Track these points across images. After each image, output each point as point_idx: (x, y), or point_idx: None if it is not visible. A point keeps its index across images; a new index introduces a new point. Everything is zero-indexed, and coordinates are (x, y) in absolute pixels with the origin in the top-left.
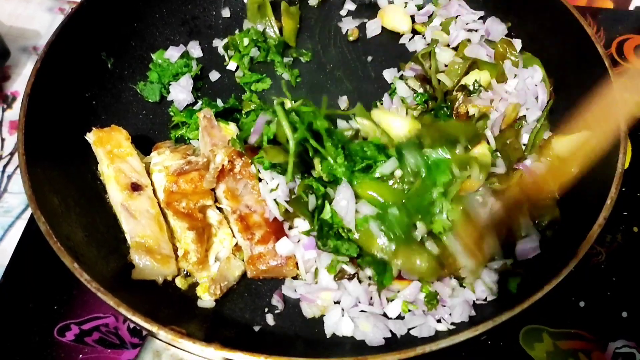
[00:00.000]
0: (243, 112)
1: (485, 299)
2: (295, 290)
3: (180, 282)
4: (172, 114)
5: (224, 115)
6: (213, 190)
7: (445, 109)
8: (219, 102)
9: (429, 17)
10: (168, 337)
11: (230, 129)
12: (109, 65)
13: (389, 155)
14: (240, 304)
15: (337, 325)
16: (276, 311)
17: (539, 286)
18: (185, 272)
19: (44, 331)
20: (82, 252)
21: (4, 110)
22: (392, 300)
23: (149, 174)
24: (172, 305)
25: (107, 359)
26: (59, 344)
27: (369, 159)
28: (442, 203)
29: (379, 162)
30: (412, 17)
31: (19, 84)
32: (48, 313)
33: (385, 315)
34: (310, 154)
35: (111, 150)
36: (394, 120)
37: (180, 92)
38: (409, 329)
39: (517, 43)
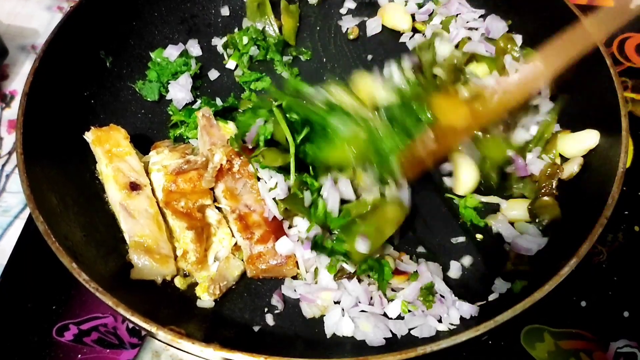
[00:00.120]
0: (240, 110)
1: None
2: (295, 290)
3: (179, 282)
4: (171, 113)
5: (223, 114)
6: (212, 189)
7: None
8: (218, 101)
9: (429, 15)
10: (167, 337)
11: (229, 128)
12: (108, 64)
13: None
14: (239, 304)
15: (337, 325)
16: (276, 311)
17: (540, 286)
18: (184, 272)
19: (42, 331)
20: (80, 252)
21: (2, 109)
22: (392, 300)
23: (147, 173)
24: (171, 305)
25: (105, 359)
26: (57, 344)
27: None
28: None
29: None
30: (413, 16)
31: (18, 82)
32: (47, 313)
33: (385, 315)
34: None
35: (110, 150)
36: (376, 86)
37: (179, 91)
38: (409, 329)
39: (518, 38)
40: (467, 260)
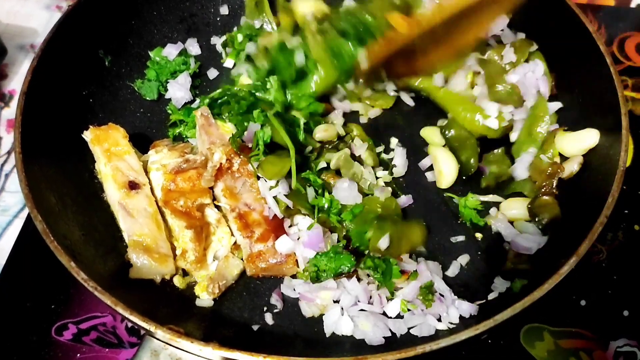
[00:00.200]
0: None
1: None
2: (294, 289)
3: (178, 281)
4: (170, 112)
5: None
6: (211, 188)
7: None
8: None
9: None
10: (166, 336)
11: (227, 127)
12: (107, 63)
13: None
14: (238, 303)
15: (337, 324)
16: (275, 310)
17: (540, 285)
18: (183, 271)
19: (41, 330)
20: (79, 251)
21: (1, 108)
22: (391, 299)
23: (146, 172)
24: (170, 304)
25: (105, 358)
26: (56, 343)
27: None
28: None
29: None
30: None
31: (17, 82)
32: (46, 312)
33: (385, 314)
34: None
35: (108, 149)
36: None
37: (178, 90)
38: (409, 328)
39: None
40: (466, 259)
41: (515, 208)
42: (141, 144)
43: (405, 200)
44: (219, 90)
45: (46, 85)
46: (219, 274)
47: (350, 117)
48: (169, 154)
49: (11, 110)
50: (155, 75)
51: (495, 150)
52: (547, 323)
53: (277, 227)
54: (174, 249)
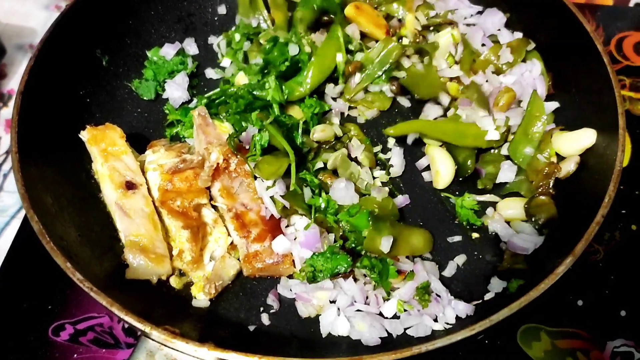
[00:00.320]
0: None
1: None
2: (290, 290)
3: (174, 282)
4: (167, 111)
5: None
6: (208, 188)
7: None
8: None
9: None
10: (161, 337)
11: (225, 127)
12: (104, 63)
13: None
14: (235, 304)
15: (333, 324)
16: (271, 311)
17: (536, 285)
18: (179, 272)
19: (38, 331)
20: (75, 252)
21: (0, 108)
22: (387, 299)
23: (143, 172)
24: (166, 304)
25: (101, 358)
26: (53, 343)
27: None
28: None
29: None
30: None
31: (16, 81)
32: (43, 313)
33: (381, 314)
34: None
35: (105, 149)
36: None
37: (176, 90)
38: (405, 329)
39: (531, 45)
40: (463, 260)
41: (512, 208)
42: (138, 143)
43: (402, 200)
44: (216, 90)
45: (43, 85)
46: (216, 274)
47: (348, 117)
48: (166, 154)
49: (10, 110)
50: (152, 75)
51: (492, 150)
52: (544, 323)
53: (274, 227)
54: (170, 249)
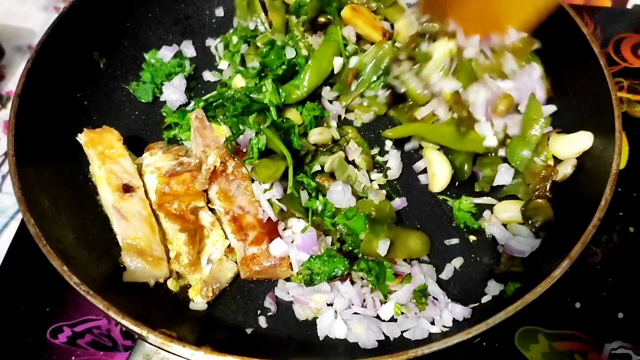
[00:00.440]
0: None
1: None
2: (288, 293)
3: (172, 285)
4: (164, 114)
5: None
6: (205, 191)
7: None
8: None
9: None
10: (157, 340)
11: (222, 130)
12: (101, 65)
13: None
14: (232, 307)
15: (330, 327)
16: (269, 313)
17: (533, 288)
18: (177, 274)
19: (36, 333)
20: (72, 255)
21: None
22: (385, 302)
23: (141, 175)
24: (163, 307)
25: None
26: (51, 346)
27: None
28: None
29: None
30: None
31: (14, 83)
32: (40, 315)
33: (378, 317)
34: None
35: (103, 151)
36: None
37: (173, 93)
38: (402, 332)
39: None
40: (460, 262)
41: (509, 211)
42: (136, 146)
43: (399, 202)
44: (213, 93)
45: (41, 88)
46: (213, 277)
47: (345, 120)
48: (163, 156)
49: (8, 112)
50: (150, 78)
51: (490, 153)
52: (541, 325)
53: (271, 230)
54: (167, 252)
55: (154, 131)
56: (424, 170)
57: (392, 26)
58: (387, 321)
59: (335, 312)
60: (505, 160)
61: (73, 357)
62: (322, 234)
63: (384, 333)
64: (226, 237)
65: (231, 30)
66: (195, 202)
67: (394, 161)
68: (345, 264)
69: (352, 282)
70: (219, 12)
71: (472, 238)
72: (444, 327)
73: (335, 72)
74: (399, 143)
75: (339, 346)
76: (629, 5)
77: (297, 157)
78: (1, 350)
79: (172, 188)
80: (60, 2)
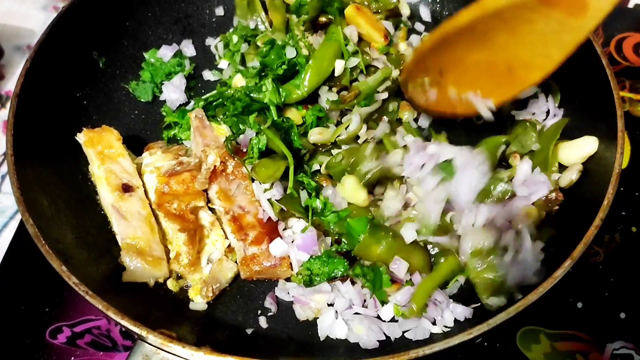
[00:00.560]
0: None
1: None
2: (288, 293)
3: (171, 285)
4: (164, 114)
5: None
6: (205, 191)
7: None
8: None
9: None
10: (157, 341)
11: (222, 129)
12: (101, 65)
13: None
14: (232, 307)
15: (331, 327)
16: (269, 314)
17: (534, 288)
18: (177, 274)
19: (35, 333)
20: (71, 255)
21: None
22: (386, 302)
23: (140, 175)
24: (163, 308)
25: None
26: (50, 346)
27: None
28: None
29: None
30: None
31: (14, 83)
32: (40, 315)
33: (379, 317)
34: None
35: (102, 151)
36: None
37: (173, 92)
38: (403, 332)
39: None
40: None
41: None
42: (135, 146)
43: None
44: (213, 92)
45: (39, 87)
46: (213, 277)
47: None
48: (163, 156)
49: (8, 112)
50: (149, 77)
51: None
52: (543, 325)
53: (271, 230)
54: (167, 252)
55: (154, 131)
56: None
57: (395, 27)
58: (388, 321)
59: (336, 312)
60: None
61: (72, 358)
62: (321, 234)
63: (385, 333)
64: (226, 237)
65: (231, 30)
66: (195, 201)
67: None
68: (345, 265)
69: (353, 282)
70: (219, 11)
71: None
72: (446, 327)
73: (336, 74)
74: None
75: (339, 346)
76: (631, 5)
77: (297, 156)
78: (1, 350)
79: (171, 188)
80: (60, 2)
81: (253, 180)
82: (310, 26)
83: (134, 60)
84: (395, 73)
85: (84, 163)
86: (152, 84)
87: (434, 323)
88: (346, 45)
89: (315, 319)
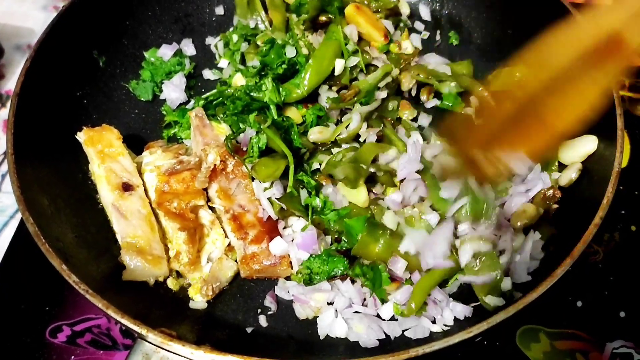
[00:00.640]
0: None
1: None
2: (288, 291)
3: (171, 283)
4: (164, 113)
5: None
6: (205, 189)
7: None
8: None
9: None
10: (157, 339)
11: (222, 128)
12: (101, 64)
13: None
14: (232, 305)
15: (331, 326)
16: (269, 312)
17: (534, 287)
18: (177, 273)
19: (35, 332)
20: (71, 253)
21: None
22: (386, 301)
23: (140, 173)
24: (163, 306)
25: None
26: (50, 345)
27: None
28: None
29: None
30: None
31: (14, 82)
32: (40, 314)
33: (379, 316)
34: None
35: (102, 150)
36: None
37: (173, 91)
38: (403, 331)
39: None
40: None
41: None
42: (135, 145)
43: None
44: (213, 91)
45: (40, 87)
46: (213, 276)
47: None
48: (163, 155)
49: (8, 111)
50: (150, 76)
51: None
52: (543, 324)
53: (271, 229)
54: (167, 250)
55: (154, 130)
56: None
57: (395, 26)
58: (388, 320)
59: (336, 311)
60: None
61: (73, 357)
62: (321, 233)
63: (384, 332)
64: (226, 236)
65: (231, 29)
66: (195, 200)
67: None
68: (344, 264)
69: (353, 281)
70: (219, 10)
71: None
72: (445, 326)
73: (335, 73)
74: None
75: (339, 345)
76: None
77: (297, 155)
78: (1, 349)
79: (171, 186)
80: (60, 1)
81: (253, 179)
82: (310, 25)
83: (134, 59)
84: (395, 72)
85: (84, 162)
86: (152, 83)
87: (433, 322)
88: (346, 44)
89: (315, 317)
